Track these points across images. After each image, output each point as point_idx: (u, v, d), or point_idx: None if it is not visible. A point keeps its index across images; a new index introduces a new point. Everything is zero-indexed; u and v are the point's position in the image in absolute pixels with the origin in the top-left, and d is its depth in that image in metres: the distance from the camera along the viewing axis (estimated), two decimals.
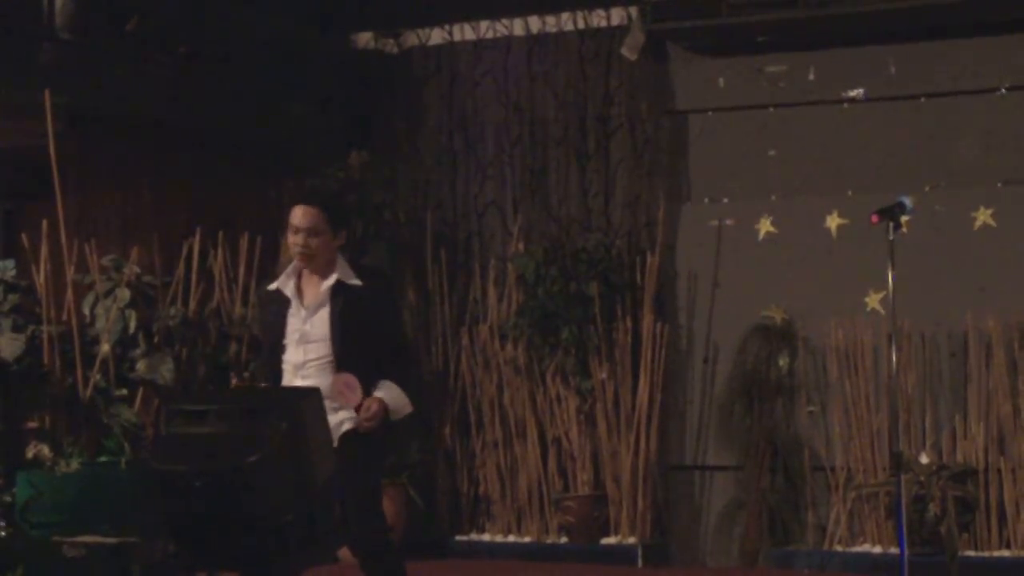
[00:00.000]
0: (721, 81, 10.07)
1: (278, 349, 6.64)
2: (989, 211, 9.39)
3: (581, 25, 10.35)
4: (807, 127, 9.87)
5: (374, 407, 6.47)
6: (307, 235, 6.57)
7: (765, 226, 9.88)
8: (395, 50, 10.83)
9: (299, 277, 6.70)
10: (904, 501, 7.23)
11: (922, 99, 9.61)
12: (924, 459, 9.08)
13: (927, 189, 9.53)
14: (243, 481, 5.83)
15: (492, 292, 10.36)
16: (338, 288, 6.59)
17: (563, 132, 10.43)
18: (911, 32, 9.48)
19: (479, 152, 10.63)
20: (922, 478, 8.93)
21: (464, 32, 10.67)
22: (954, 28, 9.36)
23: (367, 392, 6.49)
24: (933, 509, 8.87)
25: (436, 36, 10.74)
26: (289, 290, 6.66)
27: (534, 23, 10.47)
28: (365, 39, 10.88)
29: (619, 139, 10.29)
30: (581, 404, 10.01)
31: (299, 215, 6.59)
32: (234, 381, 8.97)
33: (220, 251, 9.44)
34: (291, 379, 6.59)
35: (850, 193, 9.71)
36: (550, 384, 10.07)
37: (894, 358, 7.29)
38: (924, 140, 9.59)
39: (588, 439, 10.03)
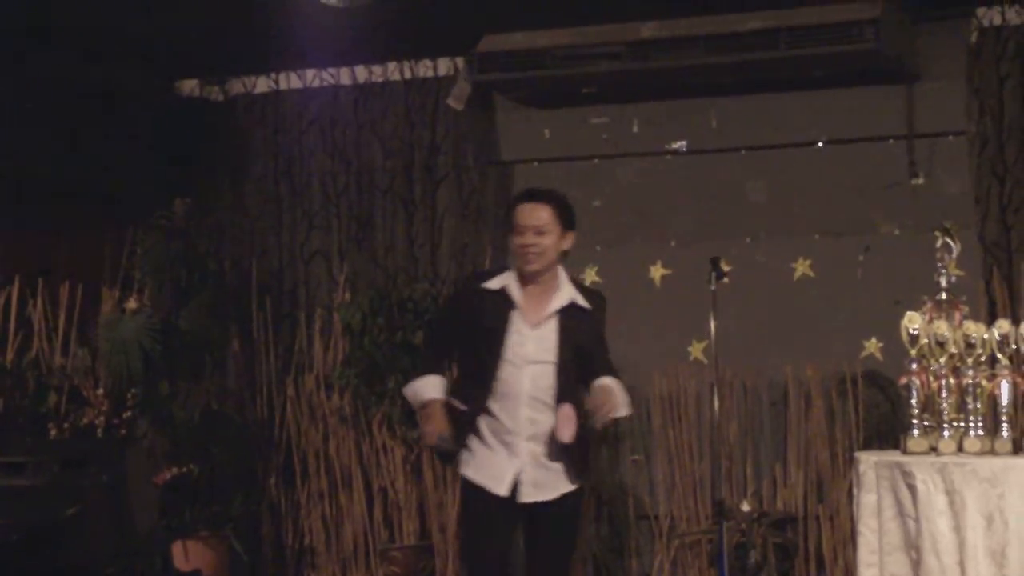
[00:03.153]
0: (546, 132, 10.15)
1: (496, 361, 6.16)
2: (808, 262, 9.57)
3: (408, 75, 10.37)
4: (631, 178, 9.98)
5: (605, 410, 6.08)
6: (535, 234, 6.19)
7: (590, 275, 9.96)
8: (220, 97, 10.76)
9: (520, 284, 6.24)
10: (726, 548, 7.32)
11: (743, 152, 9.77)
12: (745, 506, 9.20)
13: (748, 240, 9.68)
14: (62, 535, 5.73)
15: (318, 341, 10.30)
16: (568, 309, 6.21)
17: (390, 181, 10.42)
18: (732, 86, 9.64)
19: (305, 201, 10.58)
20: (743, 525, 9.04)
21: (290, 80, 10.62)
22: (774, 83, 9.54)
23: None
24: (754, 556, 8.98)
25: (262, 84, 10.68)
26: (516, 294, 6.16)
27: (360, 72, 10.46)
28: (190, 86, 10.79)
29: (446, 188, 10.32)
30: (407, 454, 9.98)
31: (523, 212, 6.20)
32: (53, 432, 8.80)
33: (39, 300, 9.27)
34: (515, 407, 6.18)
35: (673, 244, 9.83)
36: (376, 434, 10.03)
37: (716, 407, 7.40)
38: (745, 192, 9.75)
39: (414, 489, 10.00)
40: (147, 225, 9.91)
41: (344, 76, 10.51)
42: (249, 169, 10.70)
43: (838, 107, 9.53)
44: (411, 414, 9.73)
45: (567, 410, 6.15)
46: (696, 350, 9.64)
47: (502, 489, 6.27)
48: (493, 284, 6.27)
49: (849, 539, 8.64)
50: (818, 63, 9.13)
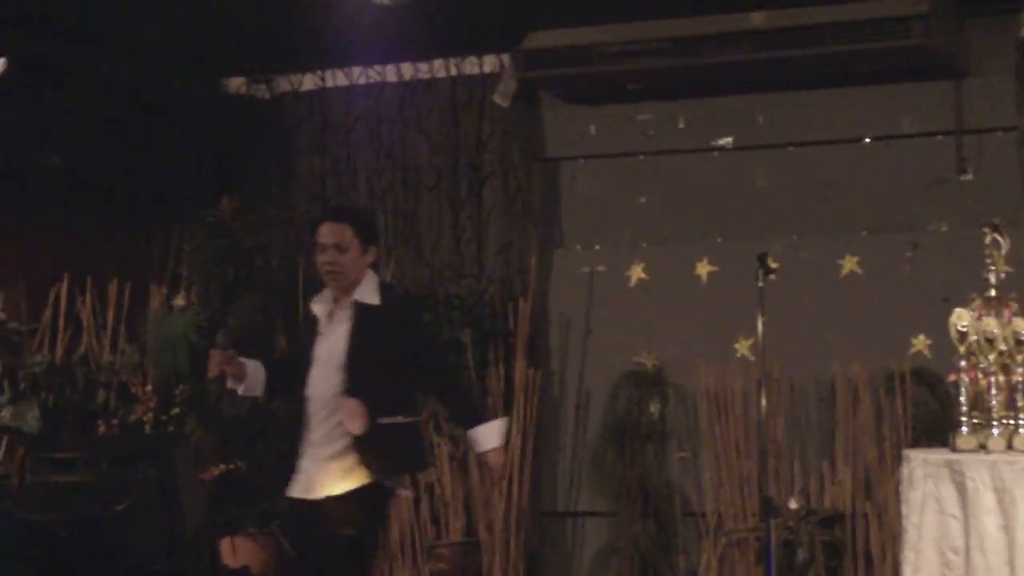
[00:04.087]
0: (592, 129, 10.14)
1: (306, 370, 6.43)
2: (855, 259, 9.54)
3: (454, 72, 10.38)
4: (677, 175, 9.97)
5: (500, 460, 6.42)
6: (335, 252, 6.40)
7: (636, 273, 9.96)
8: (267, 95, 10.79)
9: (333, 299, 6.50)
10: (773, 546, 7.30)
11: (789, 148, 9.74)
12: (793, 504, 9.17)
13: (795, 237, 9.65)
14: (111, 530, 5.76)
15: None
16: (361, 309, 6.41)
17: (436, 178, 10.43)
18: (779, 82, 9.61)
19: (351, 198, 10.60)
20: (791, 523, 9.01)
21: (337, 78, 10.65)
22: (821, 79, 9.51)
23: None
24: (801, 554, 8.95)
25: (308, 82, 10.71)
26: (322, 309, 6.46)
27: (407, 70, 10.48)
28: (237, 84, 10.83)
29: (491, 186, 10.32)
30: (453, 451, 9.98)
31: (325, 232, 6.41)
32: (102, 429, 8.86)
33: (88, 297, 9.33)
34: (315, 409, 6.41)
35: (719, 240, 9.82)
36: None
37: (763, 404, 7.38)
38: (791, 188, 9.72)
39: (460, 486, 10.00)
40: (194, 222, 9.95)
41: (390, 73, 10.52)
42: (296, 166, 10.73)
43: (886, 103, 9.49)
44: None
45: (351, 404, 6.32)
46: (743, 347, 9.62)
47: (296, 491, 6.53)
48: (312, 306, 6.58)
49: (897, 537, 8.59)
50: (865, 59, 9.09)
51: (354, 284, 6.47)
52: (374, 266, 6.62)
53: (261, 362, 6.63)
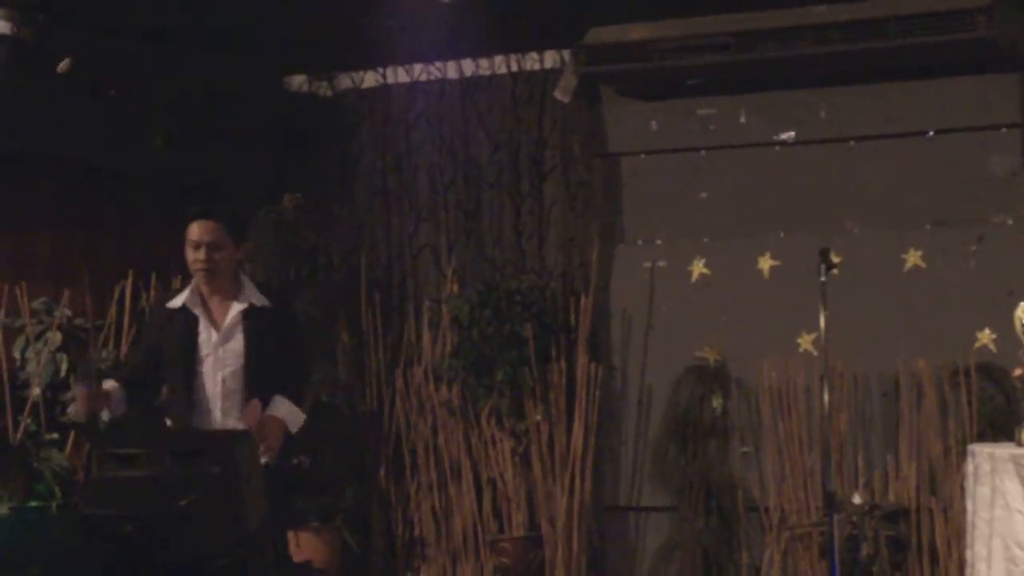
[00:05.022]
0: (653, 124, 10.13)
1: (191, 374, 6.51)
2: (918, 253, 9.48)
3: (515, 68, 10.39)
4: (739, 169, 9.94)
5: (273, 434, 6.41)
6: (209, 249, 6.48)
7: (698, 267, 9.94)
8: (328, 92, 10.83)
9: (203, 297, 6.59)
10: (837, 541, 7.27)
11: (852, 142, 9.70)
12: (857, 499, 9.13)
13: (857, 231, 9.61)
14: (175, 525, 5.80)
15: (426, 334, 10.35)
16: (251, 312, 6.53)
17: (497, 174, 10.45)
18: (841, 76, 9.56)
19: (413, 194, 10.64)
20: (855, 518, 8.97)
21: (398, 75, 10.68)
22: (883, 72, 9.46)
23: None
24: (866, 549, 8.91)
25: (369, 79, 10.75)
26: (198, 309, 6.54)
27: (467, 66, 10.49)
28: (298, 81, 10.88)
29: (553, 181, 10.32)
30: (516, 445, 10.00)
31: (197, 230, 6.49)
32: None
33: (152, 294, 9.39)
34: (212, 407, 6.51)
35: (782, 235, 9.78)
36: (485, 426, 10.06)
37: (826, 398, 7.34)
38: (854, 182, 9.67)
39: (523, 480, 10.02)
40: (257, 219, 10.00)
41: (451, 70, 10.54)
42: (357, 163, 10.77)
43: (949, 96, 9.43)
44: (520, 406, 9.80)
45: (253, 406, 6.43)
46: (805, 342, 9.58)
47: None
48: (176, 303, 6.56)
49: (963, 532, 8.55)
50: (929, 52, 9.04)
51: (225, 283, 6.54)
52: (240, 264, 6.71)
53: (115, 380, 6.66)
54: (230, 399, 6.54)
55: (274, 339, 6.54)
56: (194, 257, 6.53)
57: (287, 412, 6.55)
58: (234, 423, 6.55)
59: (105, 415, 6.49)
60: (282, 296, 6.88)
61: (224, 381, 6.53)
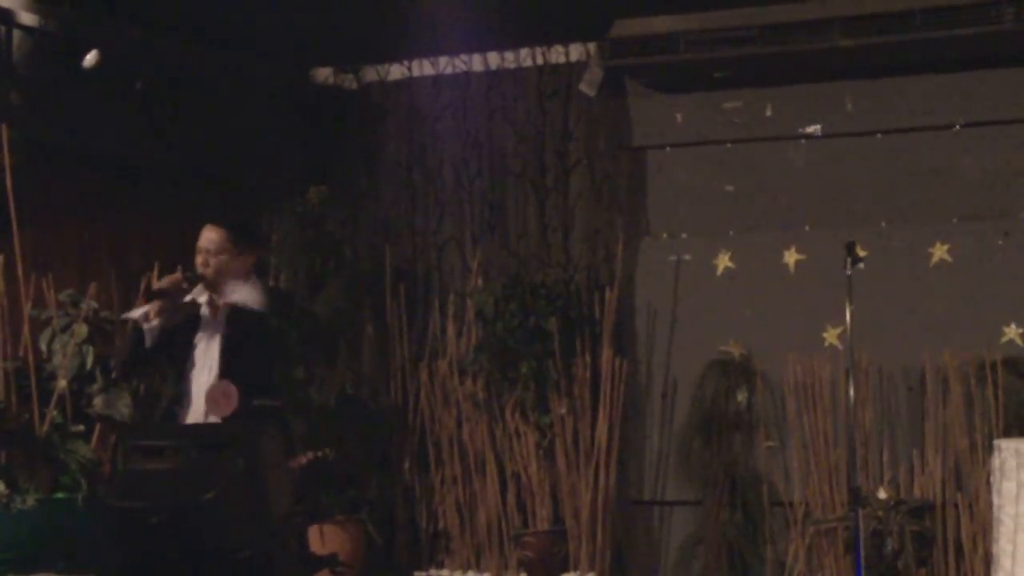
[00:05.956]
0: (679, 117, 10.11)
1: (186, 368, 6.68)
2: (945, 247, 9.45)
3: (540, 61, 10.38)
4: (764, 163, 9.92)
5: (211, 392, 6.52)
6: (207, 255, 6.68)
7: (723, 261, 9.92)
8: (354, 85, 10.84)
9: (212, 298, 6.77)
10: (862, 536, 7.26)
11: (878, 135, 9.67)
12: (882, 494, 9.11)
13: (883, 225, 9.58)
14: (200, 517, 5.81)
15: (451, 327, 10.35)
16: (235, 313, 6.67)
17: (522, 167, 10.45)
18: (868, 69, 9.54)
19: (438, 187, 10.64)
20: (880, 513, 8.95)
21: (423, 67, 10.68)
22: (910, 66, 9.43)
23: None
24: (891, 544, 8.89)
25: (395, 72, 10.75)
26: (203, 299, 6.73)
27: (493, 59, 10.49)
28: (324, 74, 10.88)
29: (578, 174, 10.32)
30: (540, 439, 10.00)
31: (202, 236, 6.73)
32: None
33: None
34: (198, 402, 6.60)
35: (807, 228, 9.76)
36: (509, 419, 10.06)
37: (852, 393, 7.32)
38: (880, 176, 9.65)
39: (547, 474, 10.02)
40: (282, 211, 10.02)
41: (476, 63, 10.54)
42: (382, 156, 10.77)
43: (976, 89, 9.39)
44: (544, 399, 9.79)
45: (222, 386, 6.54)
46: (831, 336, 9.56)
47: None
48: (190, 298, 6.78)
49: (988, 527, 8.52)
50: (956, 45, 9.00)
51: (230, 285, 6.72)
52: (256, 271, 6.90)
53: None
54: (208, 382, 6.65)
55: (250, 343, 6.65)
56: (196, 261, 6.79)
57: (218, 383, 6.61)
58: (215, 420, 6.65)
59: (152, 322, 6.63)
60: (277, 304, 7.02)
61: (211, 370, 6.67)
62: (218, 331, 6.68)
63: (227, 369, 6.59)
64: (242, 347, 6.65)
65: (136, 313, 6.73)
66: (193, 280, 6.68)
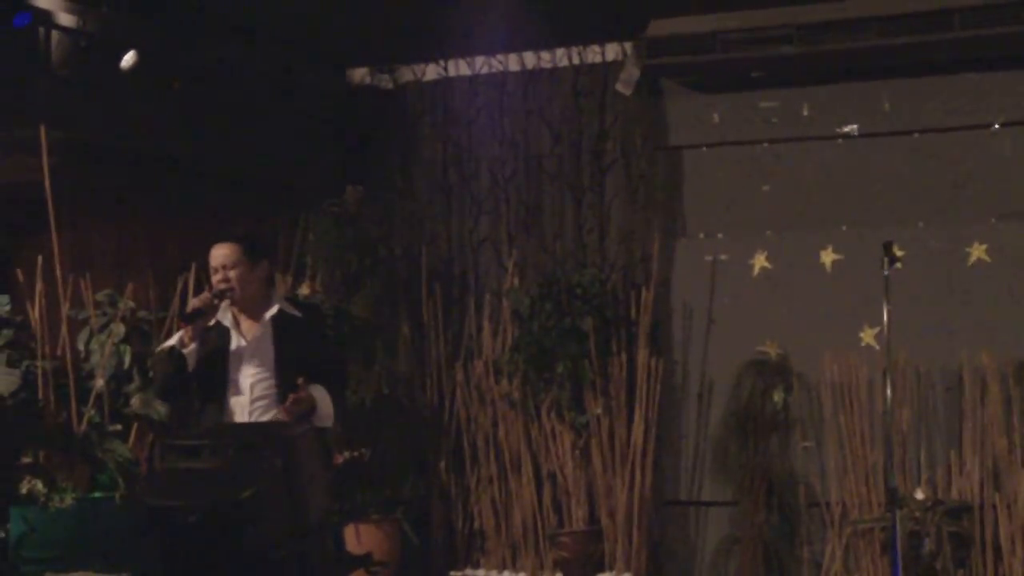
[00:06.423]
0: (715, 117, 10.09)
1: (224, 383, 6.70)
2: (983, 247, 9.41)
3: (576, 61, 10.38)
4: (801, 162, 9.89)
5: (302, 394, 6.54)
6: (224, 271, 6.74)
7: (760, 261, 9.90)
8: (390, 85, 10.85)
9: (233, 313, 6.83)
10: (900, 537, 7.23)
11: (915, 135, 9.63)
12: (919, 495, 9.08)
13: (921, 224, 9.54)
14: (237, 517, 5.83)
15: (487, 327, 10.36)
16: (279, 318, 6.73)
17: (558, 167, 10.44)
18: (905, 68, 9.50)
19: (474, 187, 10.64)
20: (917, 514, 8.92)
21: (459, 67, 10.68)
22: (947, 65, 9.39)
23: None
24: (929, 545, 8.86)
25: (431, 72, 10.76)
26: (228, 321, 6.77)
27: (529, 59, 10.49)
28: (361, 74, 10.90)
29: (614, 174, 10.31)
30: (576, 439, 9.99)
31: (213, 255, 6.80)
32: None
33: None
34: (242, 416, 6.65)
35: (844, 228, 9.73)
36: (545, 419, 10.06)
37: (889, 393, 7.30)
38: (918, 175, 9.61)
39: (583, 474, 10.01)
40: (319, 212, 10.04)
41: (512, 63, 10.54)
42: (419, 156, 10.78)
43: (1014, 88, 9.35)
44: (580, 399, 9.79)
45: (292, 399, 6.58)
46: (868, 336, 9.53)
47: None
48: (213, 319, 6.80)
49: None
50: (994, 44, 8.97)
51: (251, 298, 6.77)
52: (269, 280, 6.96)
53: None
54: (258, 406, 6.67)
55: (304, 348, 6.70)
56: (215, 280, 6.80)
57: (321, 396, 6.65)
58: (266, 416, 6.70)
59: (187, 345, 6.68)
60: (311, 309, 7.15)
61: (252, 388, 6.71)
62: (262, 346, 6.71)
63: (283, 375, 6.62)
64: (304, 341, 6.71)
65: (172, 340, 6.77)
66: (220, 296, 6.71)
